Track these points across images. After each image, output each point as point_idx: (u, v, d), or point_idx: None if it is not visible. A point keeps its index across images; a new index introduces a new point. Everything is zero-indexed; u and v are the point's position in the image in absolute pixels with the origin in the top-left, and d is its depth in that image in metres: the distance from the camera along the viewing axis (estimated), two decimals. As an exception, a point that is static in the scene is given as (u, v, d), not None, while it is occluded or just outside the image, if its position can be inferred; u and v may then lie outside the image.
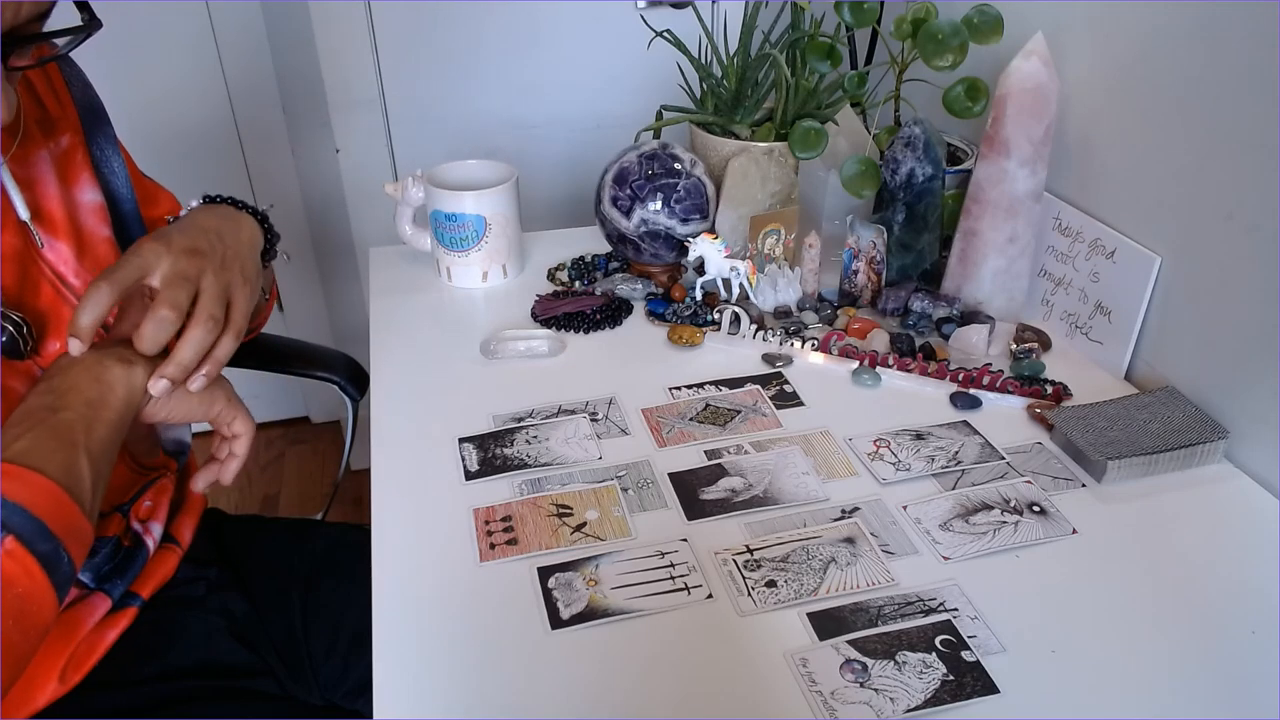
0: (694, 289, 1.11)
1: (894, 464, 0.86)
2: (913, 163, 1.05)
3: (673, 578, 0.74)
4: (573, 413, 0.94)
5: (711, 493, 0.83)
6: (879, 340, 1.03)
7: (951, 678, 0.66)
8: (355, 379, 1.19)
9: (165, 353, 0.67)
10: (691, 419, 0.93)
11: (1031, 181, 1.01)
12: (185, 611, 0.85)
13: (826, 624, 0.70)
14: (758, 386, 0.98)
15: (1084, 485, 0.84)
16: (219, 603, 0.86)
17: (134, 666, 0.80)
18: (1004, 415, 0.93)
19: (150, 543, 0.83)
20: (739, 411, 0.94)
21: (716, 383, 0.98)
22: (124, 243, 0.82)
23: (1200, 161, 0.89)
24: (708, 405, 0.95)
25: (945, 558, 0.76)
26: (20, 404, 0.62)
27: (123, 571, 0.80)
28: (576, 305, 1.11)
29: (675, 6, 1.80)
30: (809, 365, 1.02)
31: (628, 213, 1.11)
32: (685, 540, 0.78)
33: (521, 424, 0.92)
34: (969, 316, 1.06)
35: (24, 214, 0.72)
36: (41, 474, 0.57)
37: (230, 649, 0.84)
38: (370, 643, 0.70)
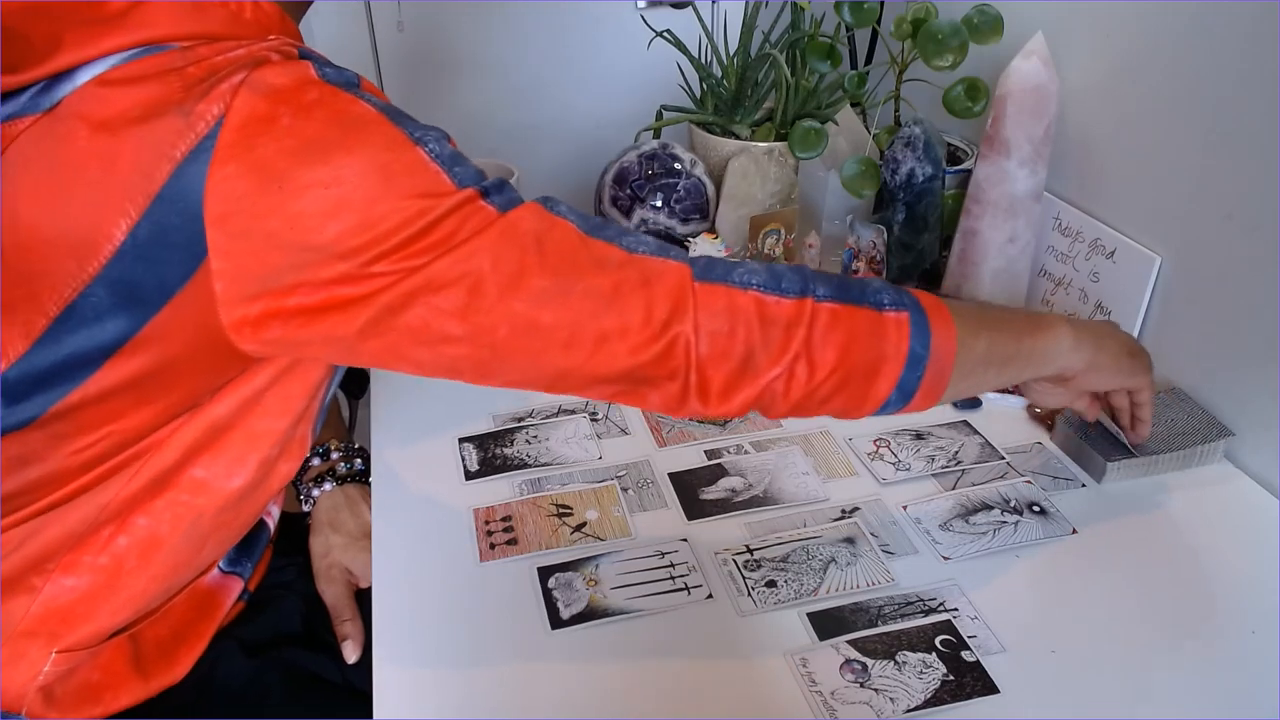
0: (694, 289, 1.10)
1: (894, 464, 0.86)
2: (913, 163, 1.05)
3: (673, 578, 0.74)
4: (573, 412, 0.94)
5: (711, 493, 0.83)
6: (879, 340, 1.03)
7: (951, 678, 0.66)
8: (353, 377, 1.19)
9: None
10: (691, 418, 0.93)
11: (1031, 181, 1.01)
12: (274, 592, 0.87)
13: (826, 624, 0.70)
14: (758, 386, 0.98)
15: (1084, 485, 0.84)
16: (304, 587, 0.87)
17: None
18: (1004, 415, 0.93)
19: (271, 524, 0.84)
20: (739, 411, 0.94)
21: (716, 383, 0.98)
22: None
23: (1200, 161, 0.88)
24: (708, 405, 0.95)
25: (945, 558, 0.76)
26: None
27: (250, 553, 0.81)
28: (576, 305, 1.11)
29: (675, 6, 1.80)
30: (809, 365, 1.02)
31: (628, 213, 1.11)
32: (685, 540, 0.78)
33: (521, 424, 0.92)
34: (969, 316, 1.05)
35: None
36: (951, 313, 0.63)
37: (300, 629, 0.85)
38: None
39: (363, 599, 0.85)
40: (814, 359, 0.59)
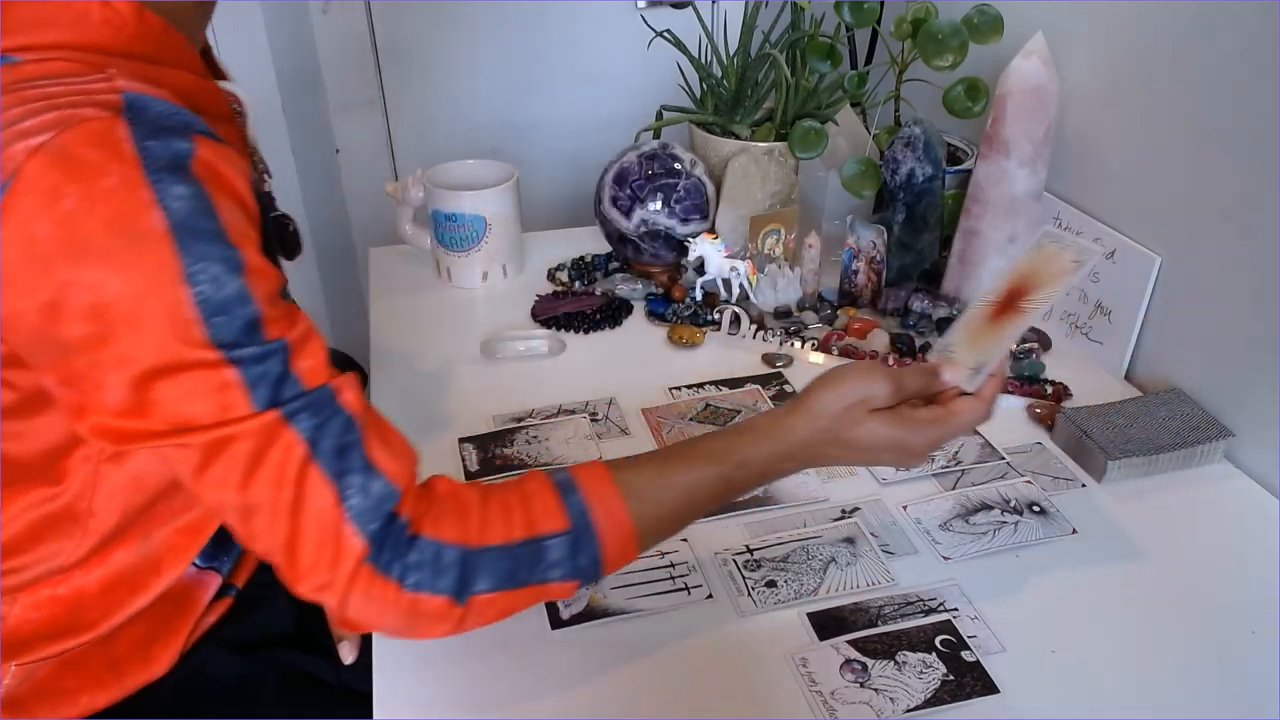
0: (694, 289, 1.11)
1: (894, 464, 0.86)
2: (913, 163, 1.05)
3: (673, 578, 0.74)
4: (573, 413, 0.94)
5: (711, 493, 0.83)
6: (879, 340, 1.03)
7: (951, 678, 0.66)
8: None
9: None
10: (691, 419, 0.93)
11: (1031, 181, 1.01)
12: (265, 591, 0.86)
13: (826, 624, 0.70)
14: (758, 386, 0.98)
15: (1084, 485, 0.84)
16: None
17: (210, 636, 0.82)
18: (1004, 415, 0.93)
19: None
20: (739, 411, 0.94)
21: (716, 383, 0.98)
22: None
23: (1200, 161, 0.88)
24: (708, 405, 0.95)
25: (945, 558, 0.76)
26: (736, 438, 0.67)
27: (227, 548, 0.80)
28: (576, 305, 1.11)
29: (675, 6, 1.80)
30: (809, 365, 1.02)
31: (628, 213, 1.11)
32: (685, 540, 0.78)
33: (521, 424, 0.92)
34: (969, 316, 1.05)
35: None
36: (629, 516, 0.61)
37: (293, 630, 0.85)
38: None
39: None
40: (468, 628, 0.61)
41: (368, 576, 0.56)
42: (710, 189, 1.14)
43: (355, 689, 0.81)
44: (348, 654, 0.80)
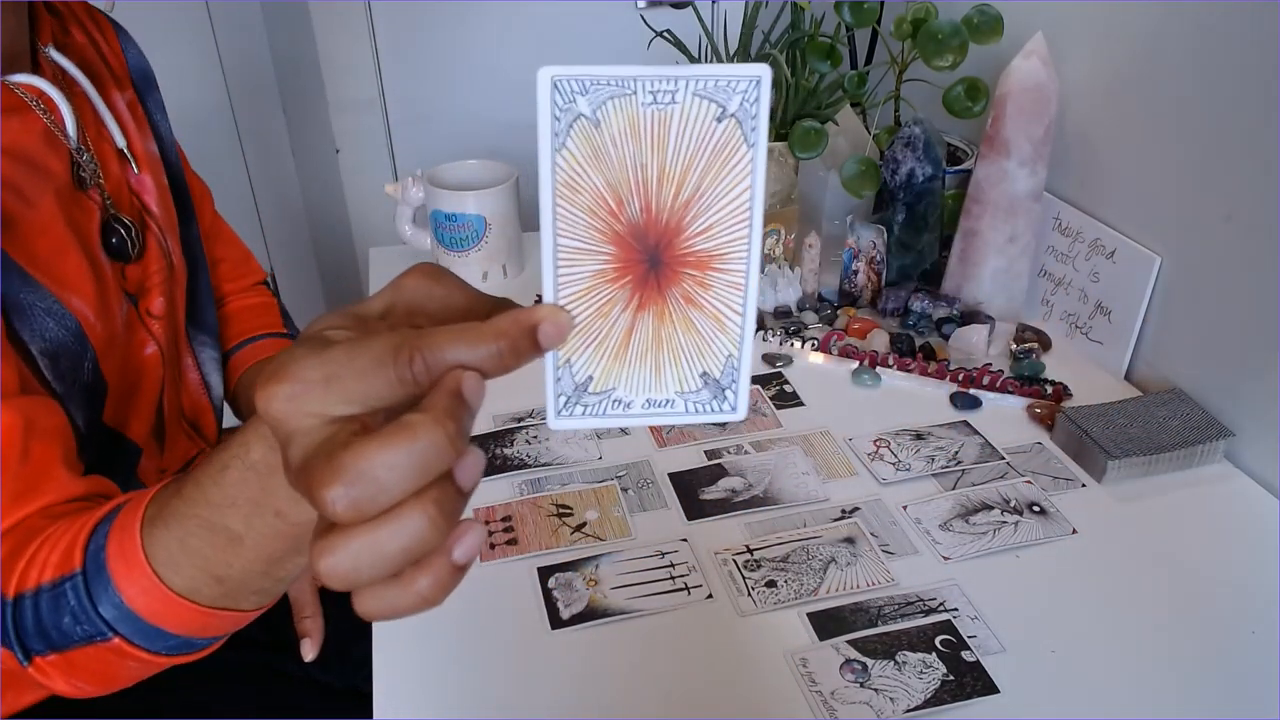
0: (694, 289, 1.10)
1: (894, 464, 0.86)
2: (913, 163, 1.05)
3: (673, 578, 0.74)
4: (573, 413, 0.94)
5: (711, 493, 0.83)
6: (879, 340, 1.03)
7: (951, 678, 0.66)
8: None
9: None
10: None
11: (1031, 181, 1.01)
12: None
13: (826, 624, 0.70)
14: (758, 386, 0.98)
15: (1084, 485, 0.84)
16: None
17: None
18: (1004, 415, 0.93)
19: None
20: (739, 411, 0.94)
21: (716, 383, 0.98)
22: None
23: (1200, 161, 0.88)
24: (708, 405, 0.95)
25: (945, 558, 0.76)
26: (202, 479, 0.46)
27: None
28: (576, 305, 1.11)
29: (675, 6, 1.80)
30: (809, 365, 1.02)
31: (628, 213, 1.11)
32: (685, 540, 0.78)
33: (521, 424, 0.92)
34: (969, 316, 1.06)
35: (120, 141, 0.77)
36: (170, 589, 0.48)
37: (259, 624, 0.84)
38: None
39: (325, 593, 0.83)
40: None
41: None
42: (710, 189, 1.14)
43: (356, 689, 0.81)
44: (309, 650, 0.79)
